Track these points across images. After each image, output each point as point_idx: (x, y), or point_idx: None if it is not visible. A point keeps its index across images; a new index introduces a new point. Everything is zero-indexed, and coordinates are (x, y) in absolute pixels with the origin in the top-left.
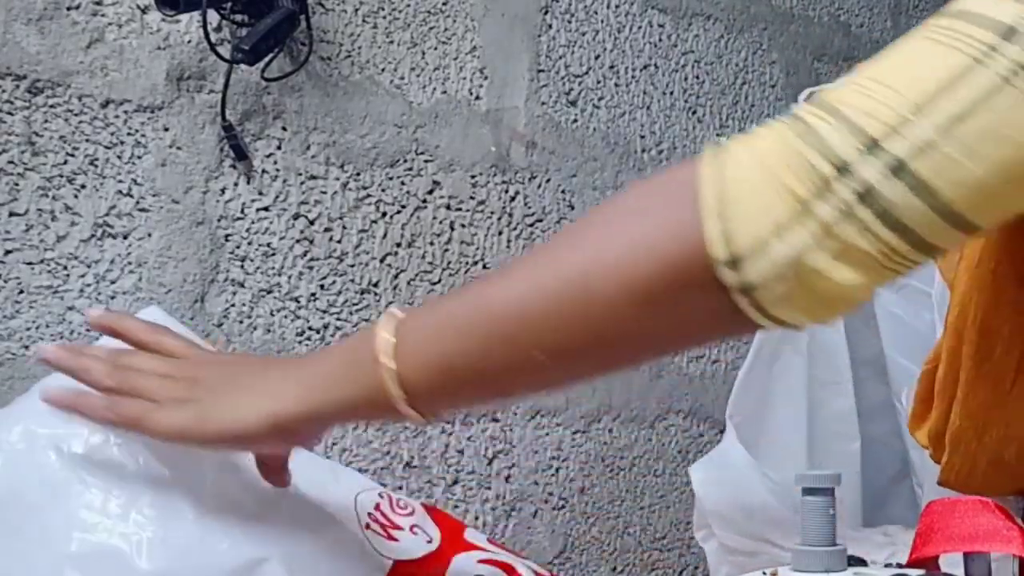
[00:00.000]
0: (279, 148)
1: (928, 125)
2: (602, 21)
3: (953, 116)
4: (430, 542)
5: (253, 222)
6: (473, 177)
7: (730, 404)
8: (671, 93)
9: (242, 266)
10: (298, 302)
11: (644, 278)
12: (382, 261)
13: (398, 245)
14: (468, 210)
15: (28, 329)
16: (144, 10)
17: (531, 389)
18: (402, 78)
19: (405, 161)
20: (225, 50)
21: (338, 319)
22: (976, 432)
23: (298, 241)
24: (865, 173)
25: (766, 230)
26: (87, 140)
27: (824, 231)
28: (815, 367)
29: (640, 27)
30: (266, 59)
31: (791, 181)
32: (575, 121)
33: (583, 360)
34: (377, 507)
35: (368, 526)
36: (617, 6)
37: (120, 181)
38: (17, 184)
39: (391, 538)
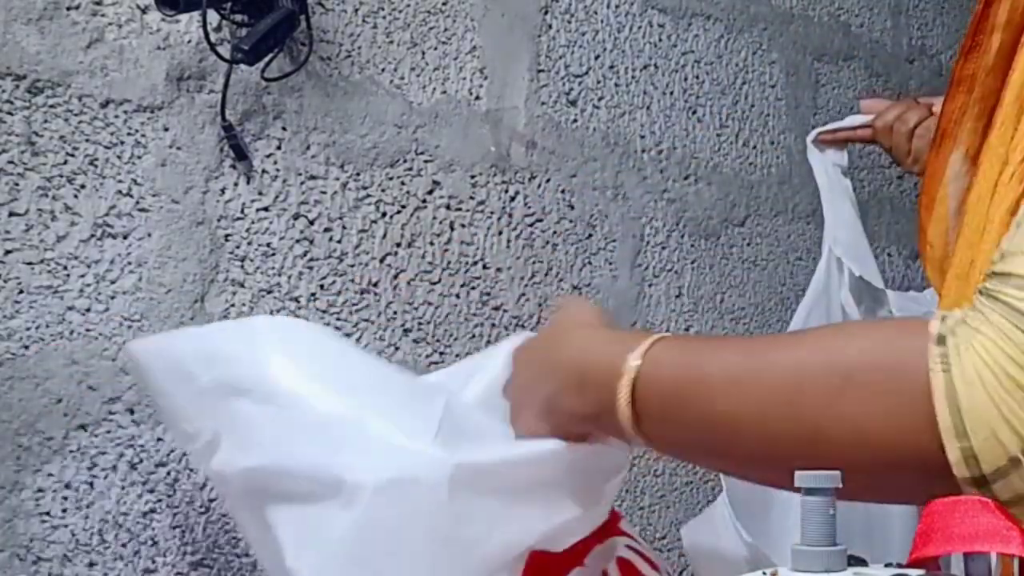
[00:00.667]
0: (279, 148)
1: None
2: (602, 21)
3: None
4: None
5: (253, 222)
6: (473, 177)
7: None
8: (671, 93)
9: (242, 266)
10: (298, 302)
11: (868, 464)
12: (382, 261)
13: (398, 245)
14: (468, 210)
15: (28, 329)
16: (144, 10)
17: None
18: (402, 78)
19: (405, 161)
20: (225, 50)
21: (338, 319)
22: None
23: (298, 241)
24: None
25: (1016, 451)
26: (87, 140)
27: None
28: None
29: (640, 27)
30: (266, 59)
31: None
32: (575, 121)
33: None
34: None
35: None
36: (617, 6)
37: (120, 181)
38: (17, 184)
39: None
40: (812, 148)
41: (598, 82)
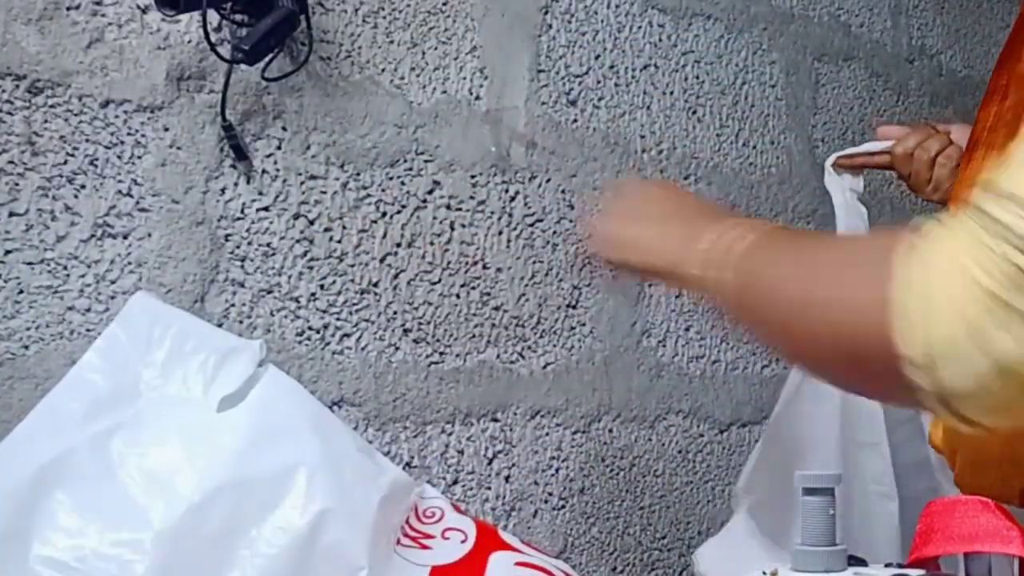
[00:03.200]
0: (279, 148)
1: None
2: (602, 21)
3: None
4: (464, 541)
5: (253, 222)
6: (473, 177)
7: (742, 481)
8: (671, 93)
9: (242, 266)
10: (298, 302)
11: (833, 357)
12: (382, 261)
13: (398, 245)
14: (468, 210)
15: (28, 329)
16: (144, 10)
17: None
18: (402, 78)
19: (405, 161)
20: (225, 50)
21: (338, 319)
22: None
23: (298, 241)
24: None
25: (962, 334)
26: (87, 140)
27: None
28: (850, 428)
29: (640, 27)
30: (266, 59)
31: (986, 280)
32: (575, 121)
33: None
34: (406, 521)
35: (399, 541)
36: (617, 6)
37: (120, 181)
38: (17, 184)
39: (424, 547)
40: (830, 172)
41: (598, 82)
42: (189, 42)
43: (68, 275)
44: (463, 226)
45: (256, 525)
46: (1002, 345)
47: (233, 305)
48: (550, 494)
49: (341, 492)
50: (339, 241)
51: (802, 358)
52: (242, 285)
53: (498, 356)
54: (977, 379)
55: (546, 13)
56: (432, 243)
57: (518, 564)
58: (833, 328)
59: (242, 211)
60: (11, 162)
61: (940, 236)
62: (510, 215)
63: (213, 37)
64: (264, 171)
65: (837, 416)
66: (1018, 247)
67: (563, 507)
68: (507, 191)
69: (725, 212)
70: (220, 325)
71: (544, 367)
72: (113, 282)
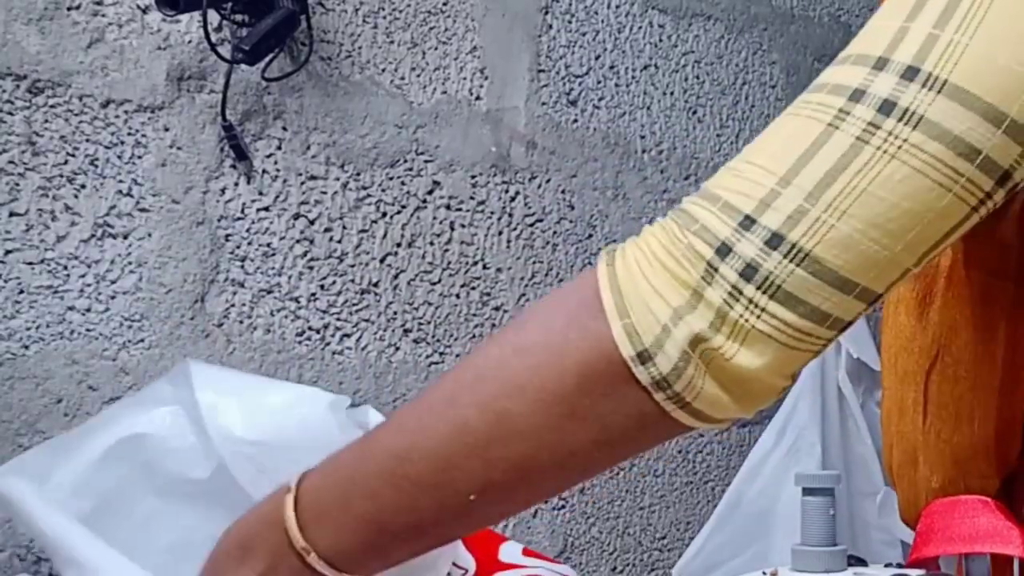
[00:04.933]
0: (279, 148)
1: (795, 194)
2: (602, 21)
3: (817, 181)
4: (465, 573)
5: (253, 222)
6: (473, 177)
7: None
8: (671, 93)
9: (242, 266)
10: (298, 302)
11: (559, 391)
12: (382, 261)
13: (398, 245)
14: (468, 210)
15: (28, 329)
16: (144, 10)
17: (472, 529)
18: (402, 78)
19: (405, 161)
20: (225, 50)
21: (338, 319)
22: (912, 465)
23: (298, 241)
24: (745, 250)
25: (665, 319)
26: (87, 140)
27: (717, 315)
28: (853, 481)
29: (640, 27)
30: (266, 59)
31: (679, 270)
32: (575, 121)
33: (515, 494)
34: None
35: None
36: (617, 6)
37: (120, 181)
38: (17, 184)
39: None
40: None
41: (598, 82)
42: (189, 42)
43: (68, 275)
44: (463, 226)
45: None
46: (697, 329)
47: (233, 305)
48: None
49: None
50: (339, 241)
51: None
52: (242, 285)
53: None
54: (684, 366)
55: (546, 13)
56: (432, 243)
57: None
58: (555, 377)
59: (242, 211)
60: (11, 162)
61: (637, 241)
62: (510, 215)
63: (213, 37)
64: (264, 171)
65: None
66: (706, 240)
67: (563, 507)
68: (507, 191)
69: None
70: (220, 325)
71: None
72: (113, 282)
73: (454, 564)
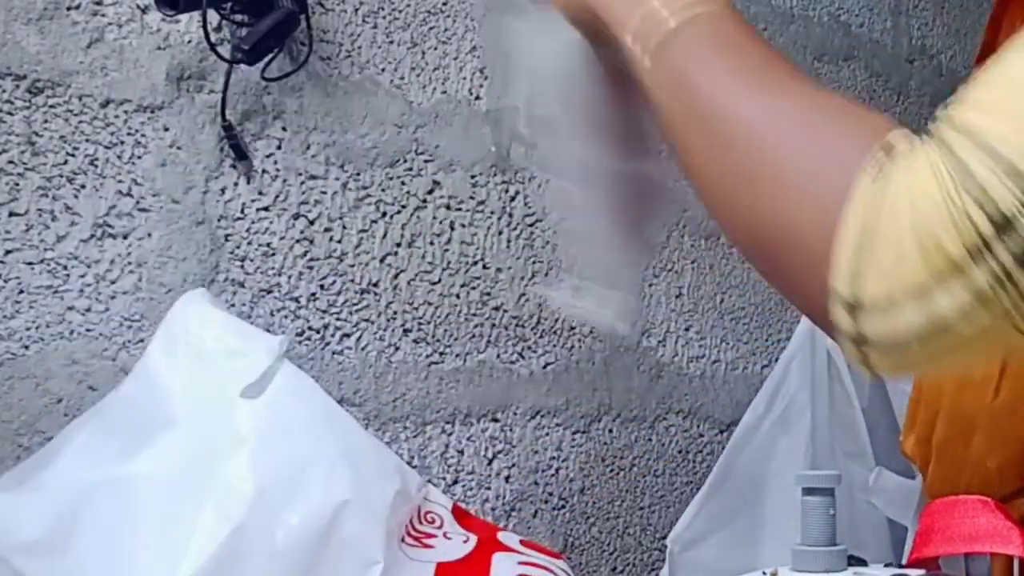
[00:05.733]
0: (279, 148)
1: None
2: None
3: None
4: (467, 541)
5: (253, 222)
6: (473, 177)
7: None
8: None
9: (242, 266)
10: (298, 302)
11: (756, 227)
12: (382, 261)
13: (398, 245)
14: (468, 210)
15: (28, 329)
16: (144, 10)
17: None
18: (402, 78)
19: (405, 161)
20: (225, 50)
21: (338, 319)
22: (963, 440)
23: (298, 241)
24: None
25: (901, 288)
26: (87, 140)
27: (978, 299)
28: (838, 442)
29: None
30: (266, 59)
31: (943, 235)
32: None
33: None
34: (409, 520)
35: (404, 539)
36: None
37: (120, 181)
38: (17, 184)
39: (427, 546)
40: None
41: None
42: (189, 42)
43: (68, 275)
44: (463, 226)
45: (275, 515)
46: (941, 308)
47: (233, 305)
48: (550, 494)
49: (359, 485)
50: (339, 241)
51: (717, 214)
52: (242, 285)
53: (498, 356)
54: (905, 335)
55: None
56: (432, 243)
57: (522, 563)
58: (764, 204)
59: (242, 211)
60: (11, 162)
61: (908, 168)
62: (510, 215)
63: (213, 37)
64: (264, 171)
65: (803, 445)
66: (985, 209)
67: (563, 507)
68: (507, 191)
69: None
70: None
71: (544, 367)
72: (113, 282)
73: (452, 532)
